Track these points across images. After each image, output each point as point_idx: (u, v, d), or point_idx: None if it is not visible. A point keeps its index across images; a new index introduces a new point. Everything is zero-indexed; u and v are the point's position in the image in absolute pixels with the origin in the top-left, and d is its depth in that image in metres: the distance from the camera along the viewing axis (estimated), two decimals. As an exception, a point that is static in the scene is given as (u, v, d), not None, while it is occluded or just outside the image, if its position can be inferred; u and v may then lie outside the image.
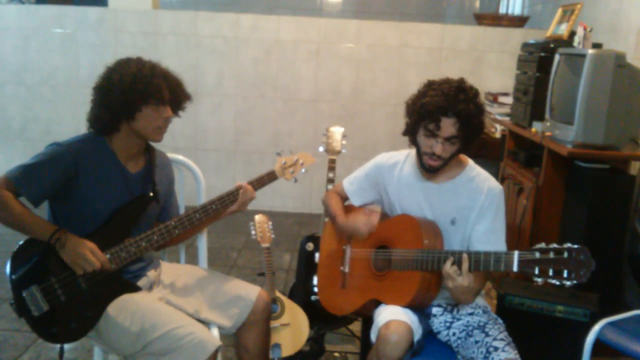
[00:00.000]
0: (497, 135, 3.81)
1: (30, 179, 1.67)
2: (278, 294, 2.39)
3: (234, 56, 4.52)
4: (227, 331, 1.90)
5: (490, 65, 4.44)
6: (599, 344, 1.88)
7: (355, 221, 1.96)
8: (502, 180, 3.27)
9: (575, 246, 1.46)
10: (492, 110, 3.86)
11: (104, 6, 4.57)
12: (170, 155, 2.06)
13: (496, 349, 1.66)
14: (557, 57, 2.84)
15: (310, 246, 2.53)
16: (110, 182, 1.77)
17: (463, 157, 1.89)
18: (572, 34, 3.09)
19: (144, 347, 1.67)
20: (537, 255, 1.49)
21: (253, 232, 2.43)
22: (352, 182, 2.07)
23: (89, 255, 1.66)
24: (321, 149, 2.49)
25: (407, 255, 1.77)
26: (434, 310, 1.87)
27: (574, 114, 2.54)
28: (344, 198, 2.10)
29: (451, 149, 1.77)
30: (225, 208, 1.88)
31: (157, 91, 1.73)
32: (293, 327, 2.33)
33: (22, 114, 4.70)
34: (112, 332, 1.71)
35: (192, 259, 2.19)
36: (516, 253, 1.54)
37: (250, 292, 1.92)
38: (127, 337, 1.68)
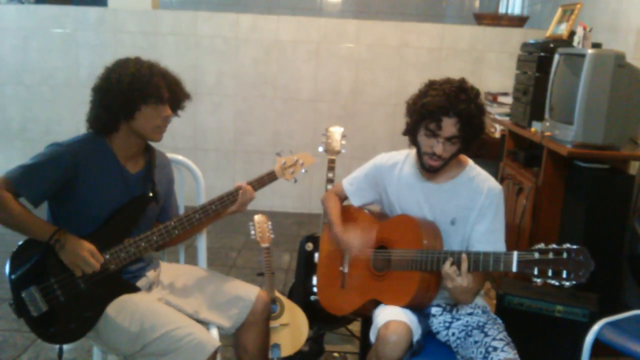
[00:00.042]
0: (497, 135, 3.81)
1: (30, 179, 1.67)
2: (277, 294, 2.39)
3: (234, 56, 4.52)
4: (227, 331, 1.90)
5: (489, 65, 4.44)
6: (598, 344, 1.88)
7: (350, 239, 1.94)
8: (501, 180, 3.27)
9: (575, 247, 1.46)
10: (492, 110, 3.86)
11: (104, 6, 4.57)
12: (170, 155, 2.06)
13: (495, 349, 1.66)
14: (556, 57, 2.84)
15: (309, 246, 2.53)
16: (110, 182, 1.77)
17: (463, 157, 1.89)
18: (572, 33, 3.08)
19: (143, 347, 1.67)
20: (536, 255, 1.49)
21: (252, 232, 2.43)
22: (351, 183, 2.07)
23: (88, 257, 1.66)
24: (321, 149, 2.49)
25: (407, 256, 1.77)
26: (433, 310, 1.87)
27: (573, 113, 2.54)
28: (343, 198, 2.10)
29: (451, 149, 1.77)
30: (225, 208, 1.88)
31: (155, 90, 1.73)
32: (292, 327, 2.33)
33: (22, 114, 4.70)
34: (111, 333, 1.71)
35: (192, 259, 2.19)
36: (515, 253, 1.54)
37: (250, 292, 1.92)
38: (126, 338, 1.68)
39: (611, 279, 2.52)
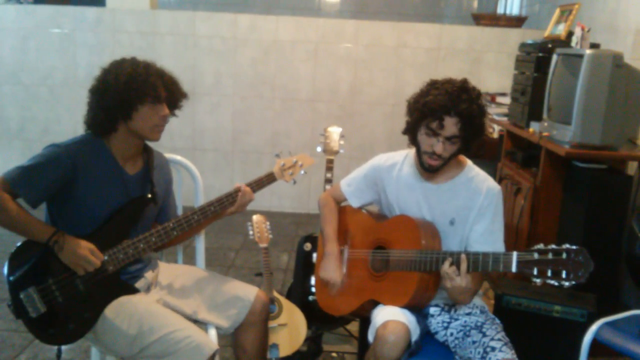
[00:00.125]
0: (495, 135, 3.82)
1: (28, 180, 1.67)
2: (276, 294, 2.39)
3: (232, 56, 4.52)
4: (225, 331, 1.90)
5: (488, 66, 4.45)
6: (596, 344, 1.89)
7: (336, 270, 1.94)
8: (499, 181, 3.27)
9: (574, 247, 1.46)
10: (490, 110, 3.86)
11: (102, 6, 4.56)
12: (168, 155, 2.05)
13: (493, 349, 1.66)
14: (554, 57, 2.84)
15: (308, 246, 2.53)
16: (109, 183, 1.77)
17: (462, 157, 1.89)
18: (570, 34, 3.09)
19: (141, 350, 1.67)
20: (536, 256, 1.49)
21: (251, 233, 2.43)
22: (349, 184, 2.07)
23: (88, 255, 1.66)
24: (319, 149, 2.49)
25: (405, 256, 1.77)
26: (432, 310, 1.87)
27: (571, 114, 2.54)
28: (340, 200, 2.09)
29: (451, 149, 1.77)
30: (224, 210, 1.88)
31: (152, 89, 1.73)
32: (291, 327, 2.33)
33: (20, 114, 4.69)
34: (110, 335, 1.71)
35: (190, 260, 2.19)
36: (515, 254, 1.54)
37: (248, 292, 1.92)
38: (125, 340, 1.68)
39: (609, 279, 2.52)
